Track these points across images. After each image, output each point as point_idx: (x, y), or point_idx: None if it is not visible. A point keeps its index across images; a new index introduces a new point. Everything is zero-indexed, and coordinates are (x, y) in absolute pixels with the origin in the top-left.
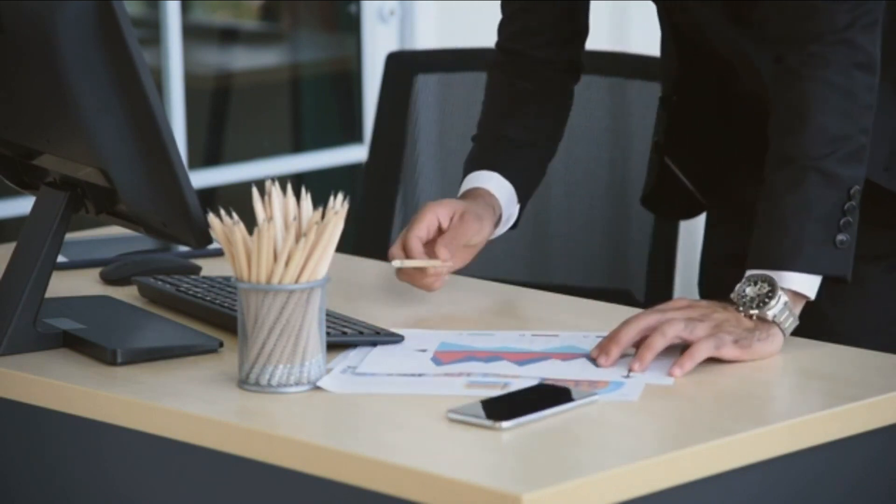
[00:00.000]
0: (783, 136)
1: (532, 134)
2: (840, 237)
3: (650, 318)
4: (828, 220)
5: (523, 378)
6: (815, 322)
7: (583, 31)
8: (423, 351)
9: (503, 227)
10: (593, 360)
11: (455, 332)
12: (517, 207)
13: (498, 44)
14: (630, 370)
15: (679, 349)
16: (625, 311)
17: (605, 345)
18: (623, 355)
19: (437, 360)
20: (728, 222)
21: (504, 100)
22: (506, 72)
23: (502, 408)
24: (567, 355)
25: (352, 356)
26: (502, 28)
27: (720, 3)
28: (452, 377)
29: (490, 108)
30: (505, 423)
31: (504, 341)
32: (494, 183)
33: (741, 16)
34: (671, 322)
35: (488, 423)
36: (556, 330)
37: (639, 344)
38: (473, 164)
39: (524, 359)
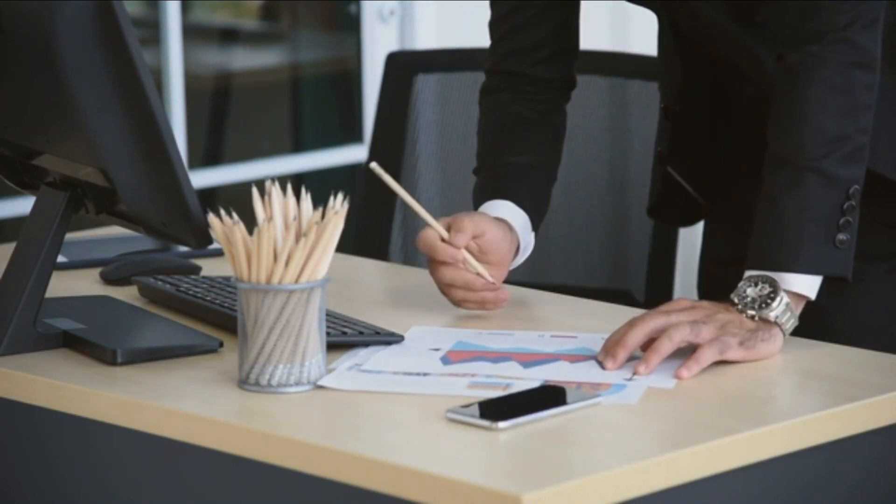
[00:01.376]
0: (782, 137)
1: (534, 158)
2: (840, 237)
3: (656, 320)
4: (827, 220)
5: (527, 380)
6: (816, 321)
7: (575, 46)
8: (436, 350)
9: (521, 257)
10: (601, 363)
11: (475, 330)
12: (532, 236)
13: (490, 68)
14: (635, 373)
15: (682, 349)
16: (625, 312)
17: (610, 348)
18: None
19: (447, 359)
20: (727, 223)
21: (502, 128)
22: (499, 98)
23: (500, 408)
24: (576, 357)
25: (361, 354)
26: (494, 50)
27: (726, 4)
28: (456, 377)
29: (488, 137)
30: (502, 424)
31: (520, 342)
32: (507, 210)
33: (748, 16)
34: (677, 326)
35: (485, 423)
36: (573, 330)
37: (644, 346)
38: (484, 195)
39: (532, 360)
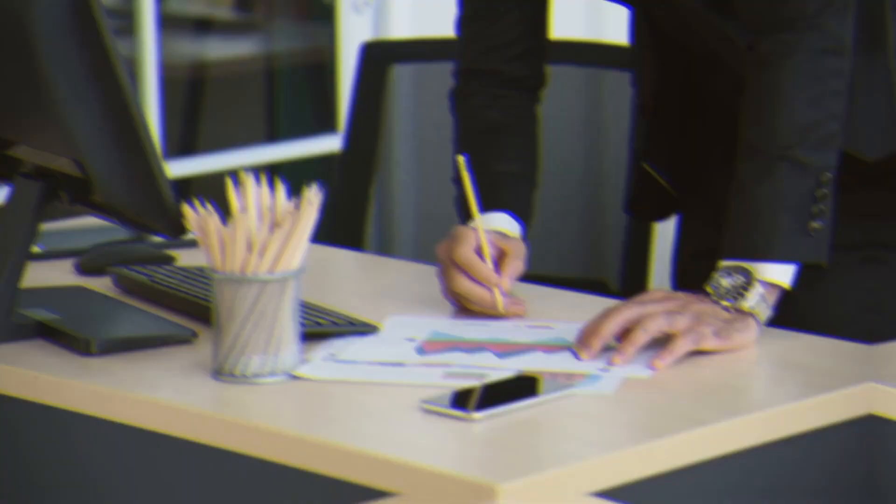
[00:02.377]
0: (753, 126)
1: (520, 166)
2: (814, 224)
3: (631, 310)
4: (800, 208)
5: (502, 370)
6: (790, 310)
7: (546, 44)
8: (412, 340)
9: None
10: (577, 353)
11: (451, 320)
12: (525, 246)
13: (462, 68)
14: (610, 363)
15: (657, 339)
16: (601, 302)
17: (586, 338)
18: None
19: (422, 349)
20: (703, 217)
21: (481, 135)
22: (474, 102)
23: (476, 398)
24: (553, 347)
25: (337, 344)
26: (466, 49)
27: None
28: (432, 367)
29: (467, 144)
30: (477, 414)
31: (496, 332)
32: (506, 222)
33: (724, 5)
34: (652, 316)
35: (461, 413)
36: (550, 320)
37: (620, 336)
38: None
39: (508, 350)
